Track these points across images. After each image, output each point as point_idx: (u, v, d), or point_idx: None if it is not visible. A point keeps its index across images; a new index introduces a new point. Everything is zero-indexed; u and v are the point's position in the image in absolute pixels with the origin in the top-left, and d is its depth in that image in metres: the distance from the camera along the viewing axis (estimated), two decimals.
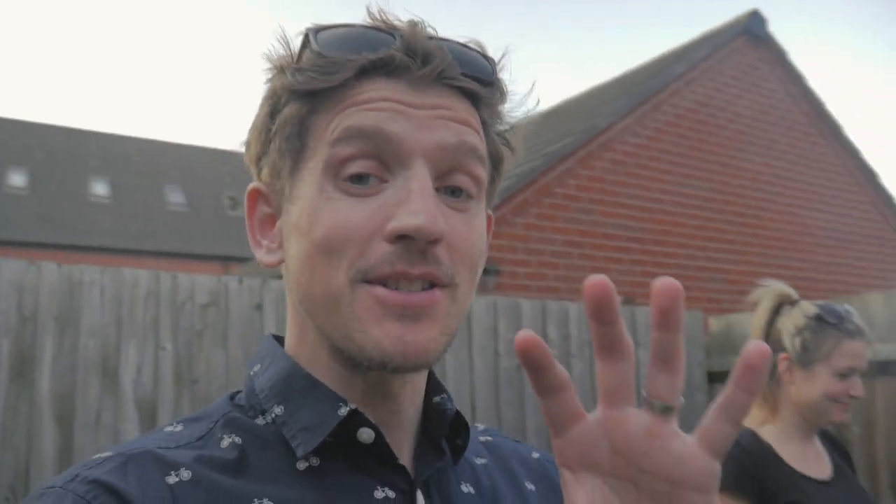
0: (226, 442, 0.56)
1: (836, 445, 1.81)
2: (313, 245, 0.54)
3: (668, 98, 7.09)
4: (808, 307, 1.73)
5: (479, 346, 3.20)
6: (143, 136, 26.10)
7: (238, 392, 0.64)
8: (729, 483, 1.61)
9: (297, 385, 0.58)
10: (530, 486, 0.70)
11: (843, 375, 1.65)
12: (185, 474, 0.53)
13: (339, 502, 0.55)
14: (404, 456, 0.60)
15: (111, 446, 0.57)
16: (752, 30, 7.69)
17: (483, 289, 5.65)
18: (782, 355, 1.70)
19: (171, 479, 0.52)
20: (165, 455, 0.54)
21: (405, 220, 0.52)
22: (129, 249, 19.06)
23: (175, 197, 22.64)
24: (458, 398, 3.08)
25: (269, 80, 0.59)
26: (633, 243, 6.52)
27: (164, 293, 2.69)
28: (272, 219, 0.61)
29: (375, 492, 0.57)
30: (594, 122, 6.45)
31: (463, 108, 0.57)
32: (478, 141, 0.58)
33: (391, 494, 0.57)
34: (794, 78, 8.11)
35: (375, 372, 0.56)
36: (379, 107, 0.54)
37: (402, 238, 0.52)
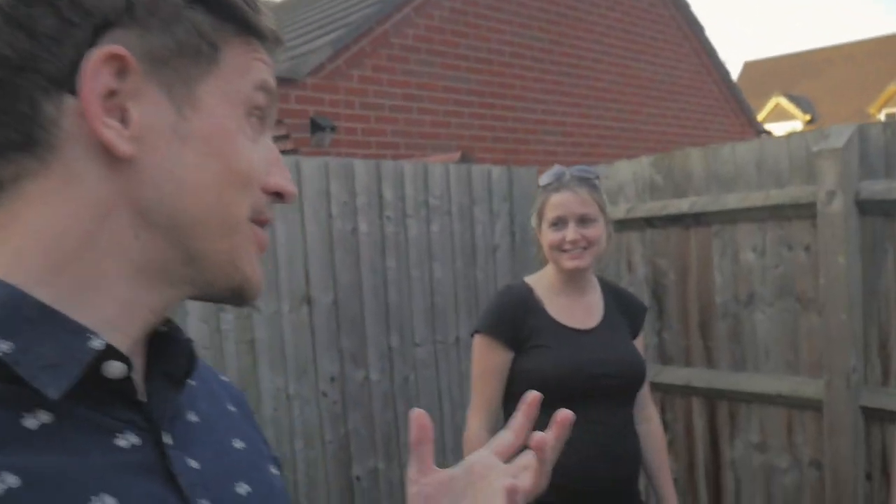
0: None
1: (627, 304, 1.97)
2: (230, 172, 0.55)
3: None
4: None
5: (312, 209, 3.03)
6: None
7: None
8: (487, 325, 1.84)
9: (27, 314, 0.49)
10: (232, 408, 0.68)
11: (555, 224, 1.83)
12: None
13: (81, 456, 0.48)
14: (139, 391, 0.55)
15: None
16: None
17: (319, 147, 5.40)
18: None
19: None
20: None
21: (287, 185, 0.60)
22: None
23: None
24: (291, 264, 2.95)
25: None
26: (473, 96, 6.44)
27: None
28: (116, 98, 0.51)
29: (116, 439, 0.51)
30: None
31: None
32: None
33: (136, 441, 0.52)
34: None
35: (181, 299, 0.58)
36: (271, 72, 0.59)
37: (274, 194, 0.60)
